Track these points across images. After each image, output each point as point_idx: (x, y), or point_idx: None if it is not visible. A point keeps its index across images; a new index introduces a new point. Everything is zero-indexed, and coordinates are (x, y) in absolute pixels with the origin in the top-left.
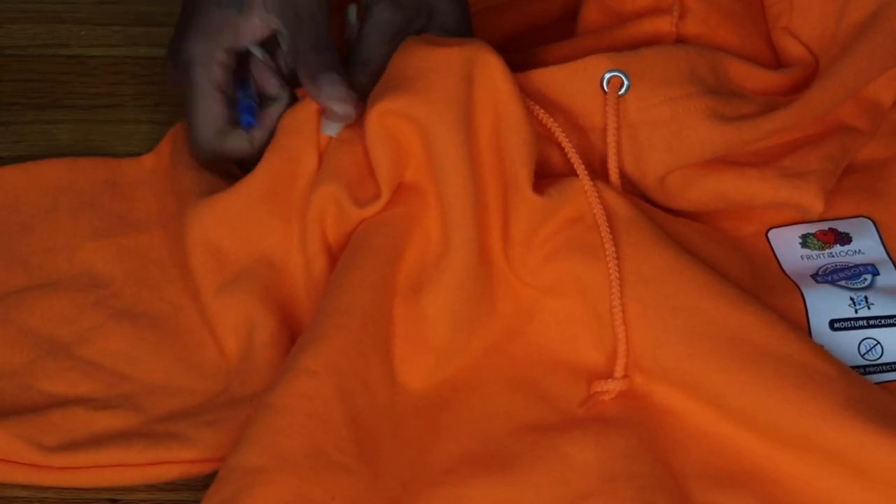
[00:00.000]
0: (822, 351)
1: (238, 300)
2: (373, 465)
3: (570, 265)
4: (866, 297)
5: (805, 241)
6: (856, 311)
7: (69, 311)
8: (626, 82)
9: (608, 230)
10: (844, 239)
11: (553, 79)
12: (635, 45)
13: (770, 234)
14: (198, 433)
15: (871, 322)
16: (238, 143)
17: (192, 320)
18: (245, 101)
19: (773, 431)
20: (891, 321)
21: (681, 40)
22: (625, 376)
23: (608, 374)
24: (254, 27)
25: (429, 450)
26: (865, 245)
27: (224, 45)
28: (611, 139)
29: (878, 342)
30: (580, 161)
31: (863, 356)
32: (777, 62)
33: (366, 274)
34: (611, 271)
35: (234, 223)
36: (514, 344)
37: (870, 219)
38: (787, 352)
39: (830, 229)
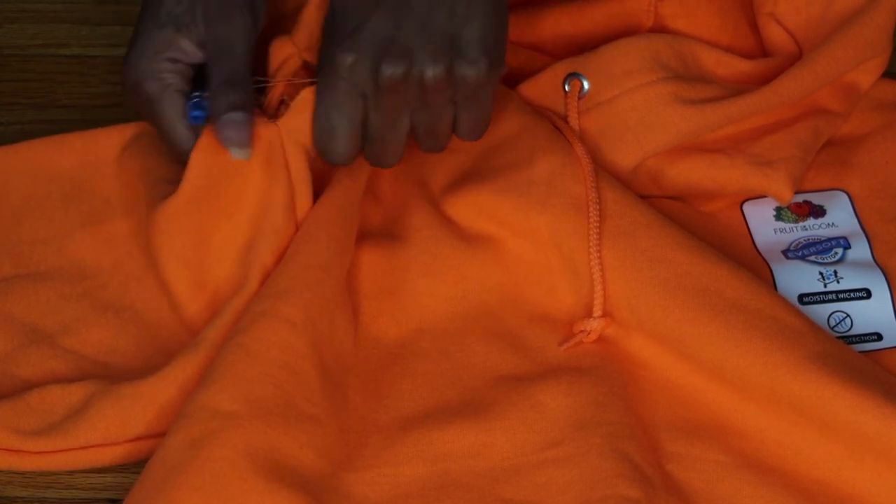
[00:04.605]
0: (792, 307)
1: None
2: (340, 417)
3: (549, 216)
4: (836, 272)
5: (779, 213)
6: (825, 286)
7: (55, 302)
8: (584, 83)
9: (593, 177)
10: (819, 211)
11: (527, 92)
12: (608, 24)
13: (745, 207)
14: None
15: (841, 296)
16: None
17: (170, 312)
18: (195, 97)
19: (740, 382)
20: (860, 294)
21: (658, 18)
22: (603, 315)
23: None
24: (193, 46)
25: (404, 396)
26: (839, 217)
27: (168, 57)
28: (573, 137)
29: (848, 315)
30: (568, 127)
31: (833, 329)
32: (761, 50)
33: (338, 231)
34: (591, 215)
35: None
36: (491, 295)
37: (844, 191)
38: (758, 306)
39: (805, 202)
